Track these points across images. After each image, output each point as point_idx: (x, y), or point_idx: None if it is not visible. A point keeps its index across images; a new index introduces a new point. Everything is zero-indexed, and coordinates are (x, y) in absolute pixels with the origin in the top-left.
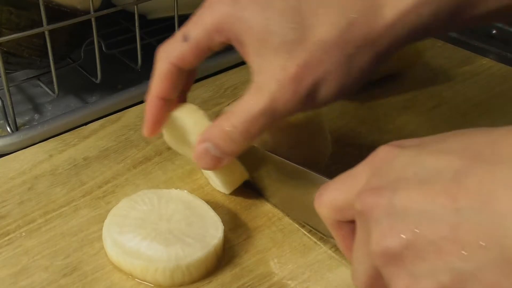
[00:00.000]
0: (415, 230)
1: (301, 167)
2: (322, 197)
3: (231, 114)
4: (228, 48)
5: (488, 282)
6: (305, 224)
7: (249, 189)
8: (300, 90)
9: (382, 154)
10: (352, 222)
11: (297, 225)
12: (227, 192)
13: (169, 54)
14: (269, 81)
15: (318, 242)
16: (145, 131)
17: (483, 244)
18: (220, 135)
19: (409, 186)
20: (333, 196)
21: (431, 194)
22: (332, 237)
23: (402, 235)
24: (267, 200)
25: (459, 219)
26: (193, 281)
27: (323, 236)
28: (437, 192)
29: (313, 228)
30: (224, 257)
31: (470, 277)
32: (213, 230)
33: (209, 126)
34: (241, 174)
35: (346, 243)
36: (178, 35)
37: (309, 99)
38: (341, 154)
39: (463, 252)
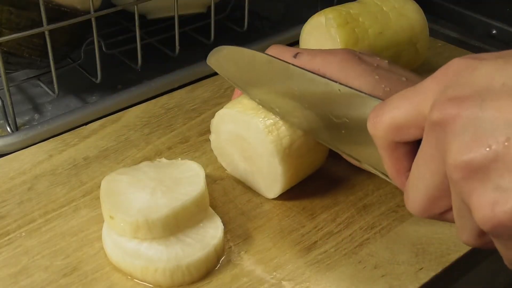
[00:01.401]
0: (506, 142)
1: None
2: (380, 117)
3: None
4: None
5: None
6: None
7: (250, 190)
8: None
9: (457, 66)
10: (408, 144)
11: (297, 225)
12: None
13: (278, 54)
14: None
15: (318, 242)
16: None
17: None
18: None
19: (499, 96)
20: (393, 114)
21: None
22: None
23: (489, 147)
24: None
25: None
26: (193, 281)
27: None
28: None
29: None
30: (224, 257)
31: None
32: (213, 230)
33: None
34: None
35: (398, 166)
36: (292, 50)
37: None
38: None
39: None
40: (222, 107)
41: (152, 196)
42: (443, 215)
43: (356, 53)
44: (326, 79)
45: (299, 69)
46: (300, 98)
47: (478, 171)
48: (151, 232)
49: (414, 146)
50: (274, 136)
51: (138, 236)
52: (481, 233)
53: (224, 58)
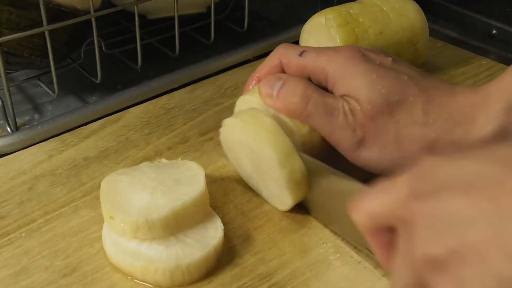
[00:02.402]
0: (460, 236)
1: (348, 177)
2: (360, 206)
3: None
4: (228, 48)
5: None
6: (346, 240)
7: (250, 190)
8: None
9: (426, 164)
10: (389, 232)
11: (297, 225)
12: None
13: (283, 56)
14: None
15: (318, 242)
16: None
17: None
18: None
19: (453, 193)
20: (371, 204)
21: (476, 200)
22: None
23: (446, 242)
24: (311, 213)
25: (505, 224)
26: (193, 282)
27: (368, 253)
28: (482, 199)
29: (355, 245)
30: (224, 257)
31: None
32: (213, 230)
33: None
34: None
35: (383, 252)
36: (299, 49)
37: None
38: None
39: (509, 258)
40: (222, 107)
41: (152, 196)
42: None
43: (361, 49)
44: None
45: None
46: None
47: (440, 265)
48: (151, 232)
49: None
50: (288, 170)
51: (138, 236)
52: None
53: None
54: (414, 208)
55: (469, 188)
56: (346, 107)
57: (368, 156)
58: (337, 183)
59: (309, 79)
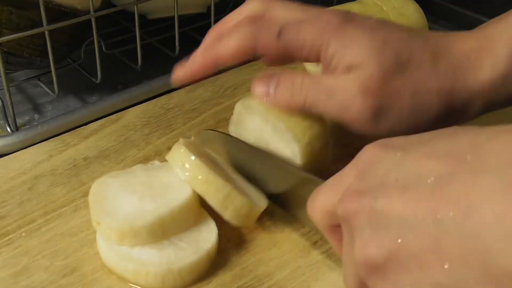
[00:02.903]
0: (398, 240)
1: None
2: (314, 202)
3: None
4: None
5: None
6: (309, 226)
7: None
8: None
9: (367, 156)
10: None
11: (297, 225)
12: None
13: (257, 36)
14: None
15: (318, 242)
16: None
17: (465, 258)
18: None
19: (390, 193)
20: (322, 200)
21: (412, 202)
22: None
23: (384, 246)
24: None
25: (440, 230)
26: (185, 285)
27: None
28: (418, 201)
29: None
30: (224, 257)
31: None
32: (206, 234)
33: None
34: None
35: (340, 247)
36: (276, 27)
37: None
38: (343, 155)
39: (445, 266)
40: (222, 107)
41: (140, 202)
42: None
43: (341, 13)
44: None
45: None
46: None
47: (378, 268)
48: (136, 239)
49: None
50: (230, 209)
51: (124, 243)
52: None
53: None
54: (351, 206)
55: (406, 189)
56: (352, 82)
57: (385, 126)
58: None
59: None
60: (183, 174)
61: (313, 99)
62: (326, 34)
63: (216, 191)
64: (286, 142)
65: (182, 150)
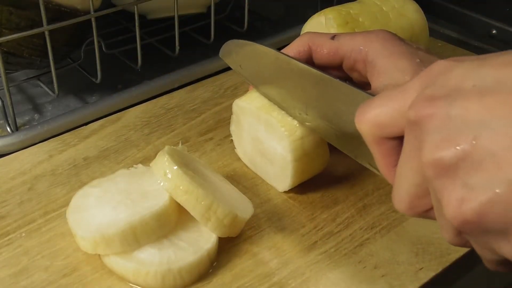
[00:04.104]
0: (473, 141)
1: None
2: (365, 114)
3: None
4: None
5: None
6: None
7: (249, 191)
8: None
9: (438, 68)
10: (394, 139)
11: (297, 225)
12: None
13: (312, 41)
14: None
15: (318, 242)
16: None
17: None
18: None
19: (468, 97)
20: (378, 112)
21: (491, 105)
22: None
23: (458, 146)
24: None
25: None
26: (185, 285)
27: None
28: (497, 103)
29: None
30: (224, 257)
31: None
32: (207, 234)
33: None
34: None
35: (386, 160)
36: (328, 34)
37: None
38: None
39: None
40: (222, 107)
41: (115, 211)
42: (428, 213)
43: (396, 35)
44: (329, 76)
45: (303, 65)
46: (302, 93)
47: (448, 169)
48: (109, 247)
49: (401, 141)
50: (212, 221)
51: (99, 251)
52: (458, 232)
53: (236, 51)
54: (425, 110)
55: (484, 92)
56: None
57: None
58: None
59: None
60: (164, 183)
61: None
62: (375, 43)
63: (197, 202)
64: (278, 138)
65: (166, 159)
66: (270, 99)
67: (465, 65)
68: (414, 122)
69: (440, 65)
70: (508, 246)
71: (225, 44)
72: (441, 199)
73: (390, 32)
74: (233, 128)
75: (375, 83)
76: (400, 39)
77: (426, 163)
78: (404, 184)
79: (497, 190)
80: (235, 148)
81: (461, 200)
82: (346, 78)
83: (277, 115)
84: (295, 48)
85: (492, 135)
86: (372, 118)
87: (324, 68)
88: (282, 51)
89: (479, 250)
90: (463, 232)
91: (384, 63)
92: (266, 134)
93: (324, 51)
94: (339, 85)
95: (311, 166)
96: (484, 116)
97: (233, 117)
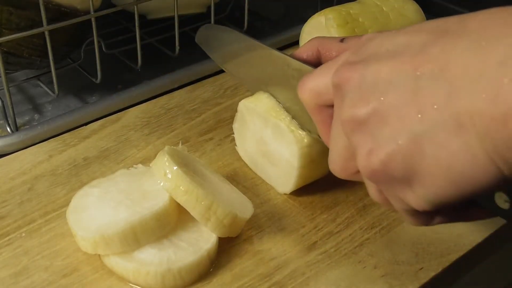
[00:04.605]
0: (381, 98)
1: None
2: (305, 84)
3: None
4: None
5: (440, 141)
6: None
7: (249, 191)
8: None
9: (364, 38)
10: (331, 107)
11: (297, 225)
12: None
13: (321, 44)
14: None
15: (318, 242)
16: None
17: (436, 106)
18: None
19: (381, 60)
20: (315, 81)
21: (397, 65)
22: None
23: (369, 103)
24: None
25: (419, 85)
26: (185, 285)
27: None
28: (403, 63)
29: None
30: (224, 257)
31: (424, 138)
32: (207, 234)
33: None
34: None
35: (325, 127)
36: (337, 37)
37: None
38: None
39: (419, 115)
40: (222, 107)
41: (115, 211)
42: (358, 175)
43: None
44: (283, 54)
45: (261, 45)
46: (262, 72)
47: (361, 125)
48: (109, 247)
49: None
50: (212, 221)
51: (99, 251)
52: (376, 187)
53: (212, 36)
54: (345, 74)
55: (394, 55)
56: None
57: None
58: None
59: None
60: (164, 183)
61: None
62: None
63: (197, 202)
64: (286, 143)
65: (166, 159)
66: (236, 77)
67: (384, 34)
68: (337, 86)
69: (366, 36)
70: (412, 195)
71: (201, 28)
72: (356, 154)
73: None
74: (236, 126)
75: None
76: None
77: (343, 121)
78: (335, 146)
79: (399, 142)
80: (236, 146)
81: (369, 151)
82: None
83: (287, 121)
84: (304, 51)
85: (396, 92)
86: (310, 87)
87: None
88: (292, 53)
89: (393, 202)
90: (374, 182)
91: None
92: (273, 138)
93: (333, 54)
94: (291, 61)
95: (315, 172)
96: (392, 76)
97: (238, 115)
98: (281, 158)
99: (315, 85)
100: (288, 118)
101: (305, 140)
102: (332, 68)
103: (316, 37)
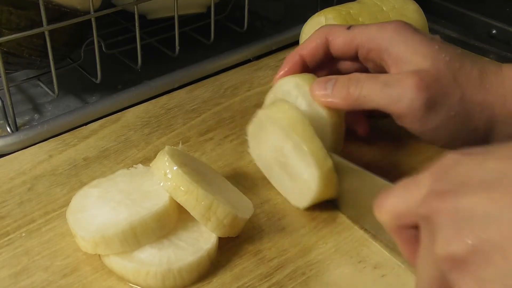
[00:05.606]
0: (481, 234)
1: (377, 176)
2: (383, 204)
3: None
4: (228, 48)
5: None
6: (376, 235)
7: (249, 191)
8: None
9: (446, 161)
10: (413, 228)
11: (297, 225)
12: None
13: (329, 32)
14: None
15: (318, 242)
16: (276, 76)
17: None
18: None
19: (474, 190)
20: (394, 202)
21: (495, 197)
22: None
23: (467, 240)
24: (340, 210)
25: None
26: (185, 286)
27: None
28: (502, 195)
29: (386, 242)
30: (224, 257)
31: None
32: (207, 234)
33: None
34: (331, 192)
35: (408, 249)
36: (345, 25)
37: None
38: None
39: None
40: (222, 107)
41: (115, 211)
42: None
43: (411, 24)
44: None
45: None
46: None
47: (461, 263)
48: (109, 247)
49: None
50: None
51: (99, 251)
52: None
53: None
54: (435, 206)
55: (490, 185)
56: (407, 75)
57: (434, 122)
58: (366, 182)
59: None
60: (164, 183)
61: (368, 91)
62: (389, 32)
63: (197, 202)
64: (306, 164)
65: (166, 159)
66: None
67: (472, 158)
68: (426, 218)
69: (449, 159)
70: None
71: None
72: None
73: (405, 22)
74: (252, 129)
75: (394, 71)
76: (416, 28)
77: (439, 257)
78: (423, 276)
79: (508, 283)
80: (249, 147)
81: None
82: (363, 69)
83: (308, 142)
84: (313, 40)
85: (498, 227)
86: (390, 209)
87: (340, 59)
88: (301, 44)
89: None
90: None
91: (401, 50)
92: (294, 153)
93: (340, 41)
94: (363, 174)
95: (328, 194)
96: (490, 209)
97: (255, 120)
98: (299, 175)
99: (395, 206)
100: (310, 139)
101: (326, 166)
102: (412, 190)
103: (324, 25)
